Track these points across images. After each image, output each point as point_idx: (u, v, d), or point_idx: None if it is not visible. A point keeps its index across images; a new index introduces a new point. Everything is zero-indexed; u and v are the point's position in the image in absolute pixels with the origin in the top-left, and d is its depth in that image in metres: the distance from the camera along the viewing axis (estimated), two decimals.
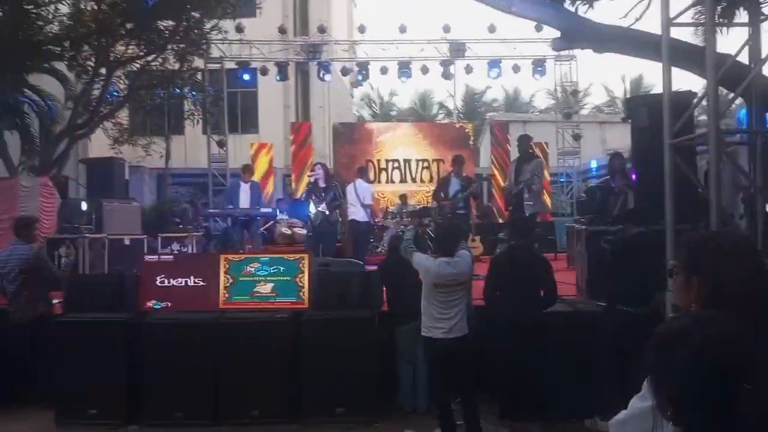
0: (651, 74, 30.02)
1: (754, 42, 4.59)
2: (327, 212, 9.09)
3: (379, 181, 14.96)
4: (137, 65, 13.34)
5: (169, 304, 5.96)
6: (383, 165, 15.20)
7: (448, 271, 4.88)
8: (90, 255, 8.23)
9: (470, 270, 5.12)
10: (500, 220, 13.06)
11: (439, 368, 5.03)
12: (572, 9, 8.44)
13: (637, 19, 8.02)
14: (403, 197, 13.49)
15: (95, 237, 8.58)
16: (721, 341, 1.34)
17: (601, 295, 5.51)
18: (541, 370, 5.07)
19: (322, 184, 9.24)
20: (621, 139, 16.57)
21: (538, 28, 14.85)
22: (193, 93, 14.51)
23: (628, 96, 28.55)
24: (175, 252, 9.14)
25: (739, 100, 6.23)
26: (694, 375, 1.29)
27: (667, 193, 4.15)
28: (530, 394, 5.14)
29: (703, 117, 7.49)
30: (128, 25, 12.27)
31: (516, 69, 16.07)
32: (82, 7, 12.31)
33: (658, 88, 25.59)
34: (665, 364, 1.37)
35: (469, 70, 16.24)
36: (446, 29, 15.76)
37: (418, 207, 12.80)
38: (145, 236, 9.42)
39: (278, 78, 15.84)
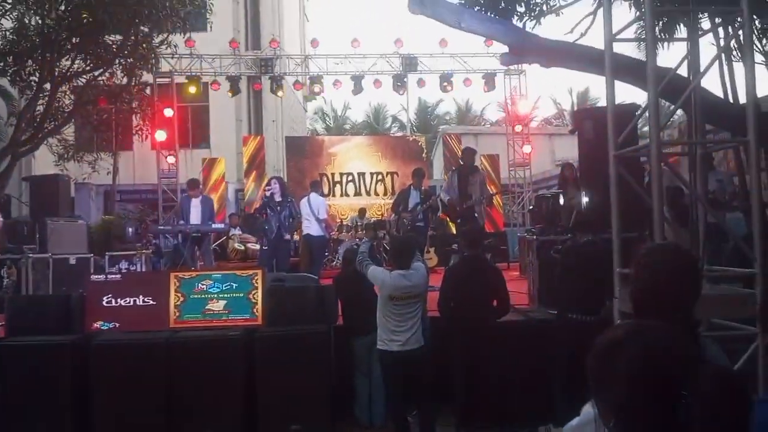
0: (597, 87, 30.93)
1: (693, 56, 4.77)
2: (281, 227, 9.05)
3: (334, 195, 14.96)
4: (83, 80, 13.04)
5: (118, 325, 5.80)
6: (337, 178, 15.20)
7: (403, 284, 4.90)
8: (33, 275, 7.94)
9: (425, 282, 5.14)
10: (453, 232, 13.22)
11: (396, 381, 5.02)
12: (520, 25, 8.64)
13: (582, 35, 8.26)
14: (362, 211, 13.50)
15: (39, 256, 8.29)
16: (658, 349, 1.38)
17: (553, 304, 5.61)
18: (496, 379, 5.11)
19: (278, 198, 9.18)
20: (569, 150, 16.98)
21: (488, 44, 15.16)
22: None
23: (575, 109, 29.31)
24: (123, 271, 8.90)
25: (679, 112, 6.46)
26: (631, 383, 1.32)
27: (613, 202, 4.26)
28: (485, 404, 5.18)
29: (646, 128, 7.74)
30: (74, 40, 11.99)
31: (467, 83, 16.33)
32: (26, 21, 11.97)
33: (603, 101, 26.37)
34: (604, 372, 1.40)
35: (421, 83, 16.42)
36: (398, 43, 15.91)
37: (372, 220, 12.82)
38: (92, 255, 9.14)
39: (230, 94, 15.68)
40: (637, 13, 8.69)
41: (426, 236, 9.37)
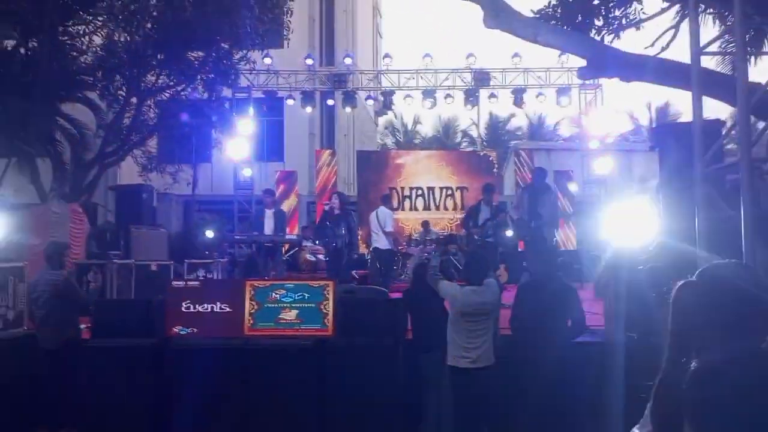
0: (677, 103, 29.84)
1: None
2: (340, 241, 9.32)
3: (403, 209, 14.99)
4: (167, 94, 13.65)
5: (195, 330, 5.99)
6: (407, 192, 15.24)
7: (475, 300, 4.84)
8: (117, 280, 8.33)
9: (497, 299, 5.07)
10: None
11: (464, 399, 4.96)
12: (598, 38, 8.48)
13: (663, 48, 8.03)
14: (426, 224, 13.48)
15: (123, 262, 8.69)
16: (759, 379, 1.31)
17: (632, 327, 5.41)
18: (568, 400, 4.96)
19: (336, 212, 9.44)
20: (648, 167, 16.43)
21: (563, 57, 14.92)
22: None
23: (653, 124, 28.37)
24: (201, 278, 9.21)
25: None
26: (729, 413, 1.26)
27: (699, 222, 4.09)
28: (557, 426, 5.03)
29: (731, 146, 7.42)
30: (159, 56, 12.59)
31: (540, 97, 16.10)
32: (115, 38, 12.67)
33: (684, 117, 25.42)
34: (698, 400, 1.34)
35: (492, 98, 16.31)
36: (471, 58, 15.88)
37: (441, 234, 12.77)
38: (172, 262, 9.52)
39: (305, 109, 16.07)
40: (722, 26, 8.39)
41: (497, 252, 9.26)
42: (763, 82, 4.49)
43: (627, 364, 4.98)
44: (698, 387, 1.39)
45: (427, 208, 15.15)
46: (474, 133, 32.44)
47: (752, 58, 8.20)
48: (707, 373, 1.42)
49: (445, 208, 15.17)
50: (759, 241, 3.61)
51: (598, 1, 8.53)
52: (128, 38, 12.50)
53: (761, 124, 5.14)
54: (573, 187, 15.96)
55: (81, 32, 12.65)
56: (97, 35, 12.87)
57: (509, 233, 8.87)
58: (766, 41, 7.47)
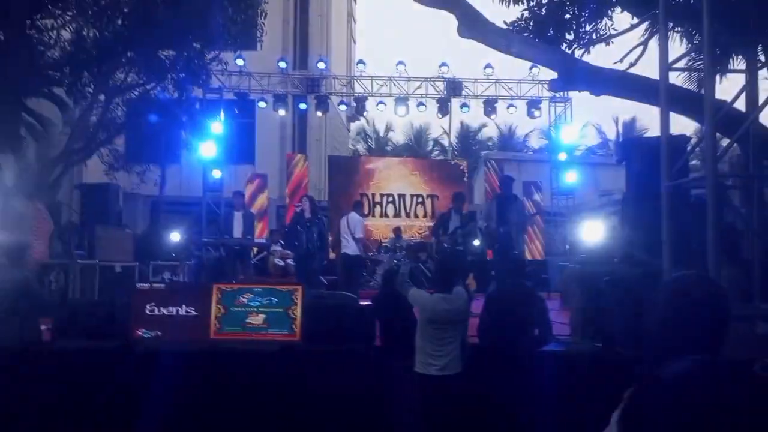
0: (644, 118, 30.47)
1: (751, 88, 4.68)
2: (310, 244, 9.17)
3: (373, 215, 15.00)
4: (136, 93, 13.43)
5: (160, 333, 5.89)
6: (377, 199, 15.26)
7: (443, 308, 4.85)
8: (81, 281, 8.15)
9: (467, 307, 5.09)
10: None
11: (431, 406, 4.95)
12: (568, 52, 8.62)
13: (632, 64, 8.21)
14: (397, 230, 13.50)
15: (87, 263, 8.50)
16: (715, 391, 1.33)
17: (598, 336, 5.49)
18: (537, 410, 5.01)
19: (307, 215, 9.34)
20: (614, 180, 16.72)
21: (533, 69, 15.13)
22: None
23: (620, 138, 28.92)
24: (167, 281, 9.06)
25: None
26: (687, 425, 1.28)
27: (665, 233, 4.17)
28: None
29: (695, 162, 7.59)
30: (129, 53, 12.38)
31: (511, 109, 16.29)
32: (84, 33, 12.43)
33: (651, 132, 25.95)
34: (642, 413, 1.35)
35: (464, 108, 16.44)
36: (443, 67, 16.00)
37: (412, 241, 12.80)
38: (137, 263, 9.34)
39: (277, 112, 16.00)
40: (689, 44, 8.61)
41: (466, 261, 9.31)
42: (728, 99, 4.62)
43: (592, 373, 5.04)
44: (644, 401, 1.40)
45: (397, 215, 15.19)
46: (445, 141, 32.67)
47: (718, 76, 8.43)
48: (656, 388, 1.44)
49: (416, 216, 15.22)
50: (724, 256, 3.71)
51: (569, 16, 8.69)
52: (97, 34, 12.26)
53: (725, 141, 5.27)
54: (539, 197, 16.18)
55: (49, 26, 12.36)
56: (65, 30, 12.60)
57: (478, 242, 8.94)
58: (731, 60, 7.67)
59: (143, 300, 6.03)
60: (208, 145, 14.38)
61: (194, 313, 5.94)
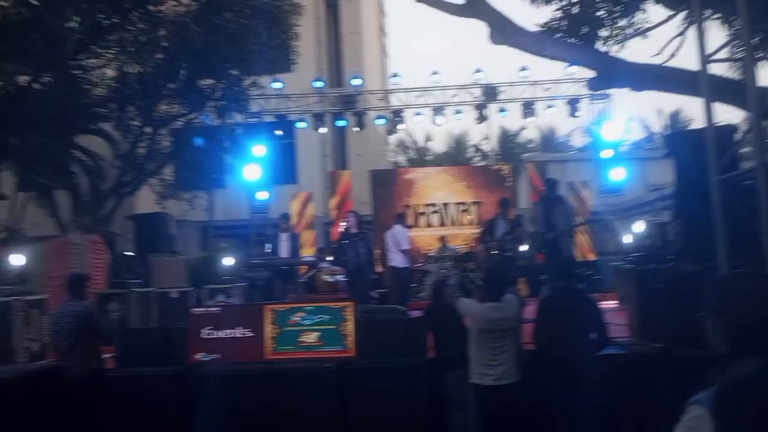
0: (689, 108, 29.68)
1: None
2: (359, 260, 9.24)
3: (418, 225, 14.98)
4: (180, 122, 13.83)
5: (217, 356, 6.02)
6: (421, 209, 15.24)
7: (495, 316, 4.83)
8: (139, 309, 8.39)
9: (519, 314, 5.05)
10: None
11: (490, 416, 4.93)
12: (604, 49, 8.50)
13: (671, 56, 8.03)
14: (443, 239, 13.45)
15: (143, 291, 8.76)
16: None
17: (657, 337, 5.36)
18: (595, 416, 4.91)
19: (353, 230, 9.42)
20: (663, 175, 16.32)
21: (570, 68, 14.95)
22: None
23: (666, 132, 28.22)
24: (221, 303, 9.25)
25: None
26: (760, 426, 1.25)
27: (718, 229, 4.06)
28: None
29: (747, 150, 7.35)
30: (170, 85, 12.77)
31: (550, 109, 16.10)
32: (127, 70, 12.88)
33: (696, 123, 25.26)
34: (729, 413, 1.33)
35: (502, 112, 16.33)
36: (478, 73, 15.94)
37: (459, 250, 12.74)
38: (192, 288, 9.57)
39: (317, 131, 16.22)
40: (730, 31, 8.37)
41: (516, 266, 9.24)
42: None
43: (653, 375, 4.93)
44: (725, 402, 1.38)
45: (443, 224, 15.14)
46: (485, 147, 32.46)
47: (761, 63, 8.18)
48: (733, 388, 1.41)
49: (461, 224, 15.14)
50: None
51: (602, 12, 8.57)
52: (139, 69, 12.70)
53: None
54: (587, 195, 15.90)
55: (93, 65, 12.86)
56: (108, 68, 13.08)
57: (526, 246, 8.85)
58: None
59: (199, 324, 6.17)
60: (251, 168, 14.64)
61: (249, 334, 6.05)
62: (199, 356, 6.04)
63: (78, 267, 8.65)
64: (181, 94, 12.95)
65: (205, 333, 6.10)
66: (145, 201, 15.66)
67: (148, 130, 13.29)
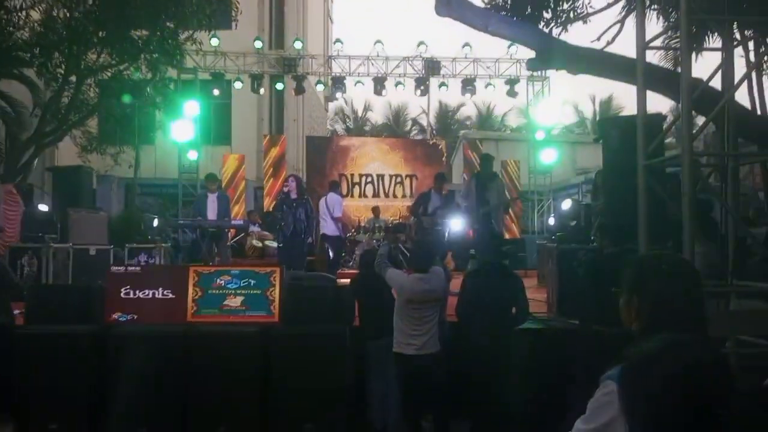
0: (621, 96, 30.64)
1: (727, 67, 4.70)
2: (297, 224, 8.96)
3: (352, 195, 14.95)
4: (109, 74, 13.17)
5: (135, 317, 5.81)
6: (356, 179, 15.20)
7: (421, 288, 4.86)
8: (54, 265, 8.01)
9: (444, 287, 5.11)
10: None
11: (410, 385, 4.98)
12: (546, 30, 8.58)
13: (609, 43, 8.20)
14: (376, 210, 13.47)
15: (60, 246, 8.36)
16: (695, 365, 1.33)
17: (574, 313, 5.54)
18: (513, 386, 5.05)
19: (293, 196, 9.15)
20: (592, 159, 16.84)
21: (512, 48, 15.12)
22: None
23: (597, 117, 29.07)
24: (143, 263, 8.95)
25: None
26: (668, 400, 1.27)
27: (641, 213, 4.19)
28: (501, 411, 5.11)
29: (670, 140, 7.64)
30: (101, 34, 12.11)
31: (489, 88, 16.28)
32: (54, 14, 12.12)
33: (627, 110, 26.13)
34: (638, 387, 1.35)
35: (443, 87, 16.40)
36: (421, 46, 15.91)
37: (390, 222, 12.79)
38: (112, 246, 9.20)
39: (253, 92, 15.82)
40: (665, 22, 8.62)
41: (445, 240, 9.33)
42: (704, 77, 4.63)
43: (569, 351, 5.09)
44: (631, 377, 1.39)
45: (376, 195, 15.15)
46: (424, 121, 32.58)
47: (694, 54, 8.46)
48: (639, 363, 1.43)
49: (395, 196, 15.20)
50: (699, 233, 3.74)
51: None
52: (68, 14, 11.97)
53: (701, 120, 5.30)
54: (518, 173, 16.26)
55: (18, 6, 12.03)
56: (34, 10, 12.28)
57: (458, 221, 8.95)
58: (708, 38, 7.69)
59: (118, 283, 5.93)
60: (182, 125, 14.16)
61: (170, 295, 5.87)
62: (116, 316, 5.82)
63: None
64: (111, 44, 12.29)
65: (124, 292, 5.87)
66: (66, 153, 14.95)
67: (73, 79, 12.59)
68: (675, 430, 1.29)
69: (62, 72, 12.40)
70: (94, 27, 11.93)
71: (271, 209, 12.43)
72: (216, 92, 15.63)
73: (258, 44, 15.95)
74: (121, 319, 5.80)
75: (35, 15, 12.32)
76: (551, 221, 14.90)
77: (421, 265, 5.00)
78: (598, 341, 4.56)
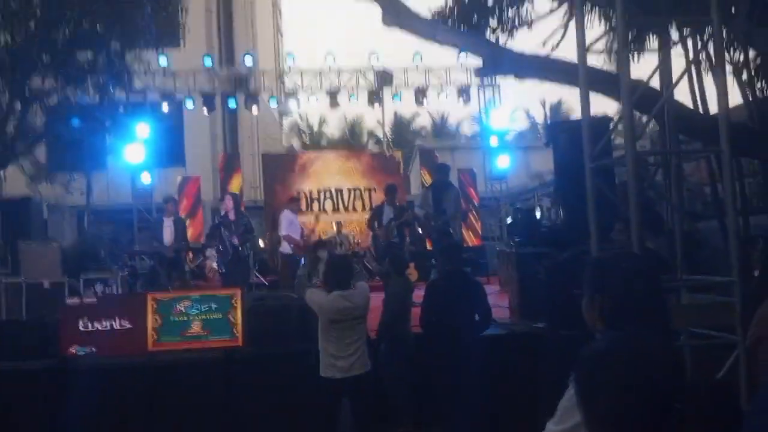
0: (569, 100, 31.27)
1: (665, 67, 4.85)
2: (237, 245, 8.78)
3: (311, 210, 14.86)
4: (55, 99, 12.85)
5: (94, 350, 5.67)
6: (314, 195, 15.12)
7: (344, 305, 4.62)
8: (6, 300, 7.75)
9: (367, 302, 4.87)
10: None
11: (336, 409, 4.77)
12: (493, 38, 8.74)
13: (553, 48, 8.39)
14: (337, 225, 13.44)
15: (11, 281, 8.09)
16: (645, 361, 1.36)
17: (538, 318, 5.61)
18: (481, 394, 5.08)
19: (231, 217, 8.96)
20: (545, 163, 17.13)
21: (462, 56, 15.32)
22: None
23: (548, 122, 29.64)
24: (99, 293, 8.72)
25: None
26: (618, 396, 1.30)
27: (590, 214, 4.29)
28: (470, 420, 5.14)
29: (619, 140, 7.83)
30: (45, 57, 11.82)
31: (441, 96, 16.45)
32: None
33: (577, 114, 26.73)
34: (589, 384, 1.38)
35: (396, 98, 16.51)
36: (373, 56, 15.99)
37: (352, 236, 12.76)
38: (66, 278, 8.93)
39: (205, 111, 15.64)
40: (606, 25, 8.88)
41: (404, 252, 9.37)
42: (645, 78, 4.79)
43: (532, 354, 5.16)
44: (581, 375, 1.42)
45: (336, 209, 15.09)
46: (380, 133, 32.69)
47: (635, 56, 8.71)
48: (588, 360, 1.46)
49: (354, 209, 15.16)
50: (646, 230, 3.85)
51: (492, 2, 8.80)
52: (9, 39, 11.65)
53: (645, 119, 5.46)
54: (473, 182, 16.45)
55: None
56: None
57: (415, 232, 8.99)
58: (648, 38, 7.94)
59: (75, 316, 5.80)
60: (134, 149, 13.88)
61: (129, 325, 5.75)
62: (74, 349, 5.67)
63: None
64: (57, 68, 12.00)
65: (81, 325, 5.73)
66: (14, 184, 14.49)
67: (17, 105, 12.24)
68: (628, 425, 1.32)
69: (6, 99, 12.05)
70: (37, 50, 11.64)
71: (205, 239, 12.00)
72: (165, 109, 15.33)
73: (208, 62, 15.79)
74: (79, 353, 5.65)
75: None
76: (509, 226, 15.08)
77: (340, 282, 4.71)
78: (562, 343, 4.63)
